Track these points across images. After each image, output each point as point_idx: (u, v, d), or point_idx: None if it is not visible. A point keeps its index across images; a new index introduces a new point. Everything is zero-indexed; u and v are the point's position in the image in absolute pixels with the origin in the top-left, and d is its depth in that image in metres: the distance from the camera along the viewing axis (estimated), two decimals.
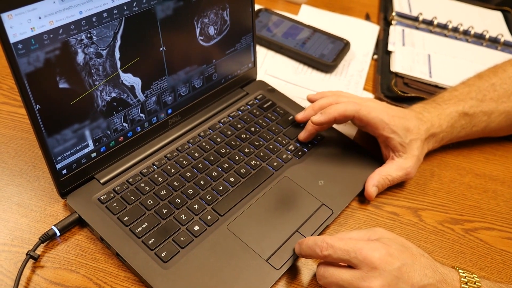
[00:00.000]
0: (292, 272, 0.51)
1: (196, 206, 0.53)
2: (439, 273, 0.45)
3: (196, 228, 0.51)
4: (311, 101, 0.65)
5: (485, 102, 0.64)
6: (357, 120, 0.59)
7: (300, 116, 0.64)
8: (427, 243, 0.57)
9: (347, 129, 0.69)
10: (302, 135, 0.63)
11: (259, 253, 0.50)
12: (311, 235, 0.53)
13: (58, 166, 0.50)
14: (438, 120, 0.62)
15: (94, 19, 0.47)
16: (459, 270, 0.47)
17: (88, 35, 0.47)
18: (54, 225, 0.50)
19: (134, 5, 0.50)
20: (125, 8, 0.49)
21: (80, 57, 0.47)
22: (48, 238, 0.49)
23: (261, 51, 0.80)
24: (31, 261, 0.48)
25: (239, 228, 0.52)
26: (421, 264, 0.45)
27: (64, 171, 0.51)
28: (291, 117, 0.67)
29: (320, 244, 0.46)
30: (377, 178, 0.59)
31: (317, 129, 0.62)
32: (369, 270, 0.43)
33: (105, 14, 0.48)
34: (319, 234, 0.54)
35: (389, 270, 0.43)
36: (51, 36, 0.44)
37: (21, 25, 0.41)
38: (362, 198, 0.60)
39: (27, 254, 0.47)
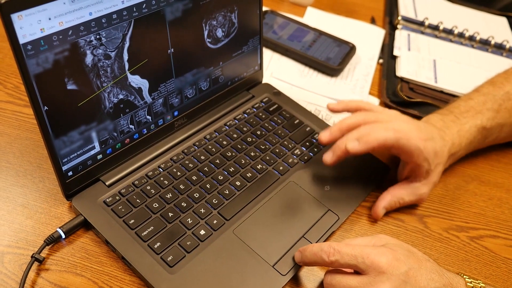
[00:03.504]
0: (298, 278, 0.51)
1: (202, 210, 0.53)
2: (445, 277, 0.45)
3: (202, 232, 0.51)
4: (333, 111, 0.62)
5: (500, 112, 0.62)
6: (395, 149, 0.55)
7: (325, 138, 0.57)
8: (432, 250, 0.57)
9: None
10: (329, 159, 0.56)
11: (265, 258, 0.50)
12: (316, 241, 0.53)
13: (64, 168, 0.49)
14: (458, 138, 0.59)
15: (103, 21, 0.46)
16: (465, 276, 0.47)
17: (97, 36, 0.46)
18: (59, 228, 0.49)
19: (144, 6, 0.49)
20: (134, 9, 0.49)
21: (89, 59, 0.47)
22: (53, 241, 0.49)
23: (266, 53, 0.80)
24: (36, 264, 0.47)
25: (245, 233, 0.52)
26: (427, 268, 0.45)
27: (70, 173, 0.50)
28: (297, 120, 0.66)
29: (326, 250, 0.46)
30: (388, 200, 0.57)
31: (348, 155, 0.55)
32: (377, 275, 0.43)
33: (114, 16, 0.47)
34: (325, 240, 0.54)
35: (397, 275, 0.43)
36: (61, 37, 0.43)
37: (31, 26, 0.41)
38: (368, 204, 0.60)
39: (32, 256, 0.47)
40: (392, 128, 0.54)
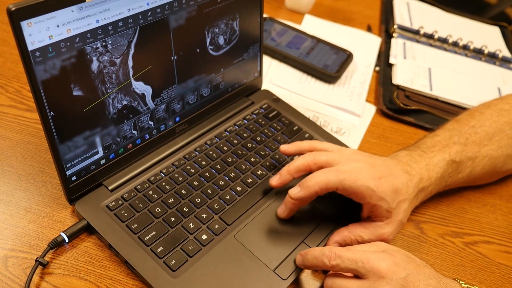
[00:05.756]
0: (299, 283, 0.52)
1: (204, 215, 0.54)
2: (442, 283, 0.46)
3: (204, 237, 0.52)
4: (286, 154, 0.60)
5: (468, 146, 0.60)
6: (341, 191, 0.52)
7: (275, 182, 0.56)
8: (429, 256, 0.58)
9: (351, 140, 0.70)
10: (283, 213, 0.55)
11: (266, 263, 0.51)
12: (316, 246, 0.54)
13: (68, 172, 0.50)
14: (426, 172, 0.57)
15: (110, 28, 0.47)
16: (461, 282, 0.49)
17: (104, 43, 0.47)
18: (63, 232, 0.50)
19: (149, 14, 0.50)
20: (140, 17, 0.49)
21: (95, 65, 0.47)
22: (56, 245, 0.49)
23: (265, 60, 0.81)
24: (39, 268, 0.48)
25: (246, 238, 0.53)
26: (425, 274, 0.46)
27: (74, 178, 0.51)
28: (296, 127, 0.67)
29: (328, 254, 0.47)
30: (344, 236, 0.54)
31: (298, 205, 0.54)
32: (377, 279, 0.44)
33: (120, 23, 0.48)
34: (324, 246, 0.55)
35: (396, 279, 0.44)
36: (68, 44, 0.44)
37: (39, 33, 0.42)
38: None
39: (36, 260, 0.47)
40: (336, 170, 0.52)
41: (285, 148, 0.60)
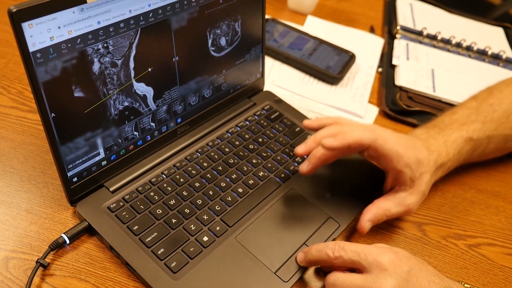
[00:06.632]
0: (300, 285, 0.52)
1: (205, 217, 0.54)
2: (445, 281, 0.46)
3: (205, 238, 0.52)
4: (309, 128, 0.61)
5: (486, 124, 0.62)
6: (371, 150, 0.54)
7: (300, 149, 0.57)
8: (431, 258, 0.57)
9: None
10: (305, 168, 0.56)
11: (267, 265, 0.51)
12: None
13: (69, 173, 0.50)
14: (444, 148, 0.59)
15: (111, 29, 0.47)
16: (464, 283, 0.48)
17: (105, 44, 0.47)
18: (64, 233, 0.50)
19: (150, 15, 0.50)
20: (141, 18, 0.49)
21: (96, 67, 0.47)
22: (57, 246, 0.49)
23: (267, 61, 0.81)
24: (40, 269, 0.48)
25: (247, 240, 0.53)
26: (428, 271, 0.46)
27: (75, 179, 0.51)
28: (298, 128, 0.67)
29: (332, 247, 0.47)
30: (374, 212, 0.55)
31: (322, 161, 0.55)
32: (380, 272, 0.44)
33: (122, 24, 0.48)
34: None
35: (399, 273, 0.44)
36: (69, 45, 0.44)
37: (40, 34, 0.42)
38: None
39: (37, 261, 0.47)
40: (370, 129, 0.55)
41: (308, 122, 0.61)
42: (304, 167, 0.56)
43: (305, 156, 0.58)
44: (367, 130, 0.54)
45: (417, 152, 0.55)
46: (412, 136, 0.59)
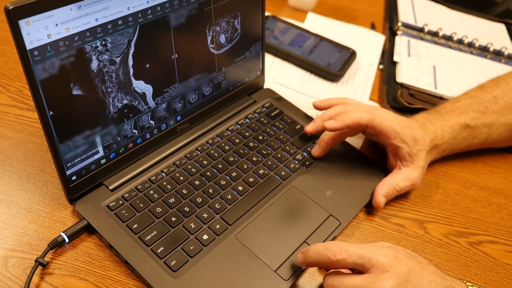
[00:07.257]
0: (300, 284, 0.51)
1: (205, 215, 0.53)
2: (447, 280, 0.46)
3: (205, 237, 0.51)
4: (318, 108, 0.66)
5: (486, 114, 0.65)
6: (370, 129, 0.59)
7: (309, 128, 0.63)
8: (433, 256, 0.57)
9: (354, 139, 0.69)
10: (316, 151, 0.62)
11: (267, 263, 0.50)
12: None
13: (68, 172, 0.50)
14: (441, 131, 0.63)
15: (109, 27, 0.47)
16: (465, 281, 0.48)
17: (103, 42, 0.47)
18: (63, 232, 0.50)
19: (149, 13, 0.50)
20: (140, 15, 0.49)
21: (94, 64, 0.47)
22: (57, 245, 0.49)
23: (268, 58, 0.81)
24: (39, 268, 0.48)
25: (247, 238, 0.52)
26: (429, 270, 0.46)
27: (74, 177, 0.51)
28: (299, 126, 0.67)
29: (333, 249, 0.46)
30: (385, 188, 0.59)
31: (331, 144, 0.62)
32: (380, 273, 0.44)
33: (120, 22, 0.47)
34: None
35: (399, 273, 0.44)
36: (67, 43, 0.44)
37: (38, 31, 0.41)
38: (369, 209, 0.60)
39: (36, 260, 0.47)
40: (367, 110, 0.60)
41: (317, 103, 0.65)
42: (315, 151, 0.63)
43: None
44: (366, 111, 0.59)
45: (413, 131, 0.60)
46: (411, 118, 0.63)
